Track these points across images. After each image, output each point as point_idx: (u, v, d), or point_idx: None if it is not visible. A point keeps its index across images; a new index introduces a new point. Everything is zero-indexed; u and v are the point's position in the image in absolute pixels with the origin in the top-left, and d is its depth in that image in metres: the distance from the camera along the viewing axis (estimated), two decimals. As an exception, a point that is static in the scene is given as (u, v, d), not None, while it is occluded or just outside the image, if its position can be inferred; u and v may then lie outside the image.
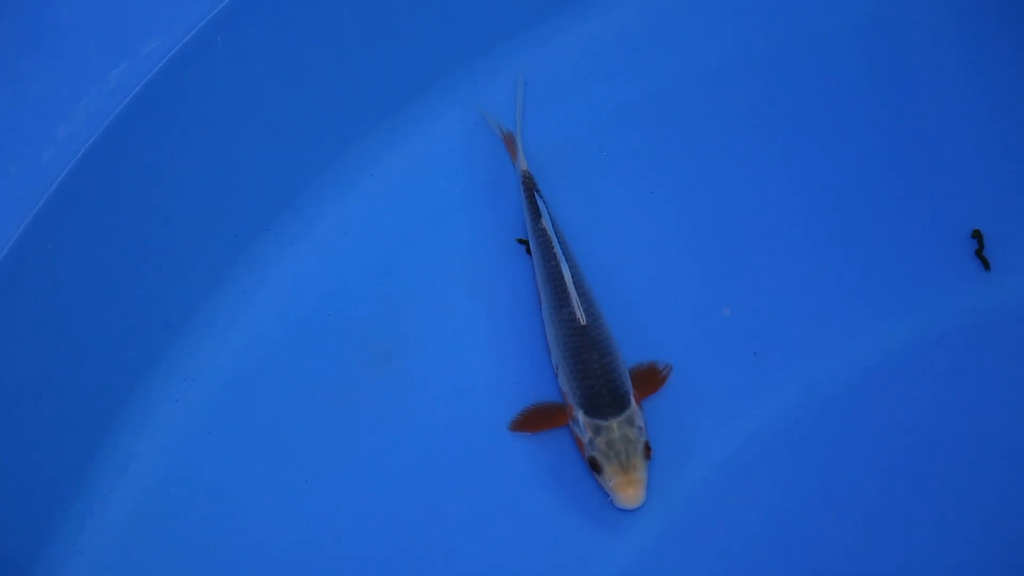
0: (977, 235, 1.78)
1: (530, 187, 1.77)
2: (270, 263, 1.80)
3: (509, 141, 1.85)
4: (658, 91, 1.90)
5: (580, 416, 1.60)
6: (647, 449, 1.59)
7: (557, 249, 1.69)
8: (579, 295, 1.65)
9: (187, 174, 1.79)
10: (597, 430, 1.59)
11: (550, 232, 1.71)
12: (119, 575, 1.65)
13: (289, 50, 1.84)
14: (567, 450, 1.67)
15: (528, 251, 1.79)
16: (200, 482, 1.70)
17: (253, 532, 1.67)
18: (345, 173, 1.85)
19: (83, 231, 1.73)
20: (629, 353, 1.68)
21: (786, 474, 1.67)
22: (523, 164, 1.80)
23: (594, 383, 1.61)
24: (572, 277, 1.66)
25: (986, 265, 1.77)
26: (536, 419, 1.67)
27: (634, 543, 1.64)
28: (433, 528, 1.66)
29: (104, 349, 1.73)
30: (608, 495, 1.59)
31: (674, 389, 1.69)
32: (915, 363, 1.72)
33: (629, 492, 1.56)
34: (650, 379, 1.68)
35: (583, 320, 1.64)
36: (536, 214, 1.74)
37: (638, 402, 1.63)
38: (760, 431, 1.69)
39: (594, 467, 1.59)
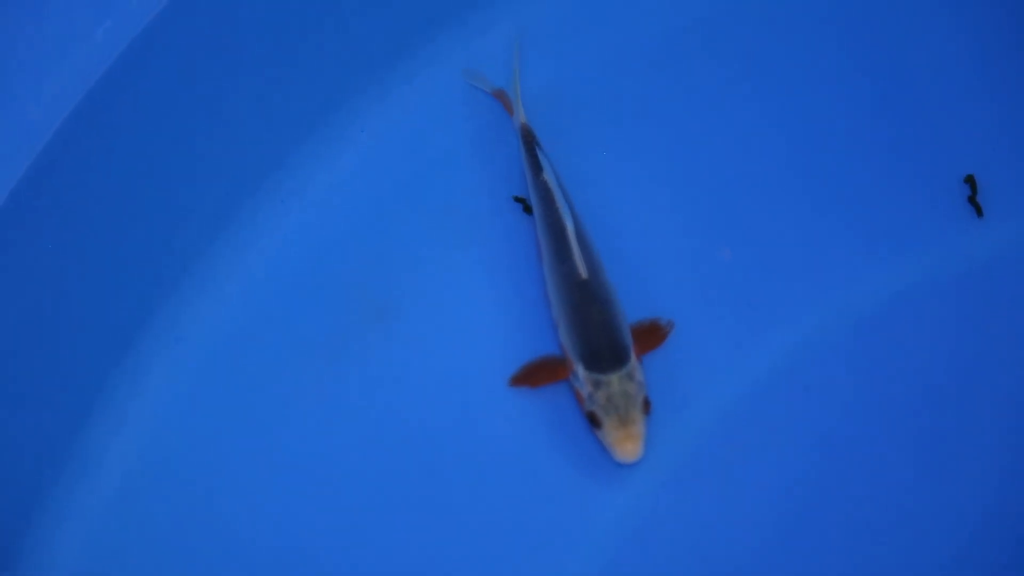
0: (970, 181, 1.78)
1: (530, 140, 1.76)
2: (262, 221, 1.79)
3: (502, 97, 1.83)
4: (650, 41, 1.89)
5: (580, 370, 1.60)
6: (646, 404, 1.59)
7: (560, 202, 1.68)
8: (581, 249, 1.65)
9: (176, 132, 1.77)
10: (597, 384, 1.58)
11: (552, 186, 1.70)
12: (114, 534, 1.65)
13: (278, 5, 1.81)
14: (564, 405, 1.67)
15: (525, 209, 1.78)
16: (194, 440, 1.69)
17: (247, 489, 1.67)
18: (337, 129, 1.84)
19: (72, 191, 1.71)
20: (625, 305, 1.67)
21: (782, 424, 1.67)
22: (522, 117, 1.78)
23: (594, 337, 1.61)
24: (574, 230, 1.66)
25: (979, 211, 1.77)
26: (536, 374, 1.67)
27: (633, 496, 1.64)
28: (429, 485, 1.66)
29: (96, 310, 1.72)
30: (607, 449, 1.59)
31: (670, 341, 1.69)
32: (910, 310, 1.72)
33: (627, 446, 1.57)
34: (652, 335, 1.67)
35: (584, 274, 1.64)
36: (537, 168, 1.73)
37: (638, 357, 1.62)
38: (756, 382, 1.69)
39: (593, 421, 1.58)
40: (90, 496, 1.66)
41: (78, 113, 1.69)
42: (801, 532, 1.62)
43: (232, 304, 1.76)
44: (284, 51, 1.82)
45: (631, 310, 1.67)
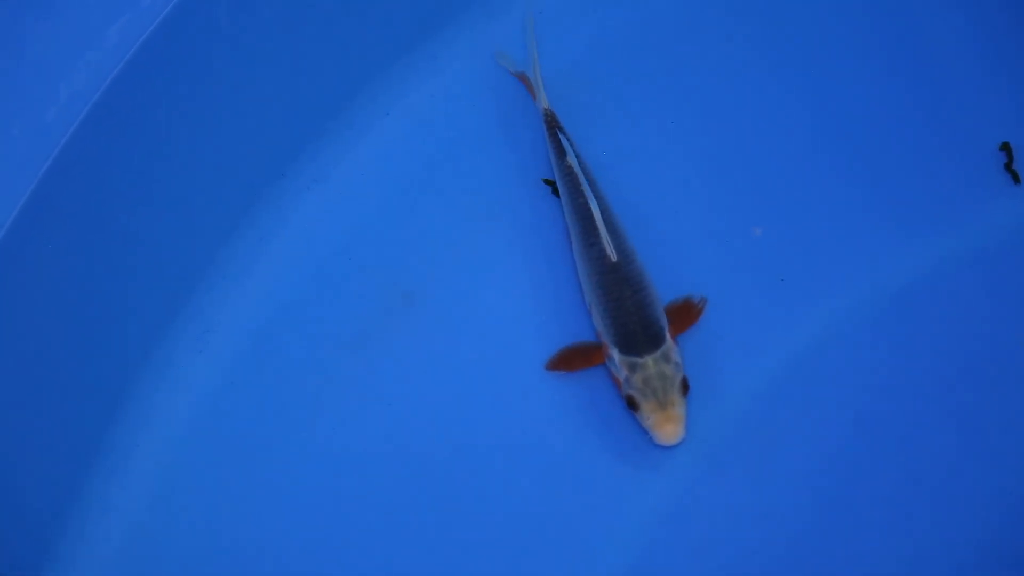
0: (1006, 148, 1.74)
1: (553, 125, 1.74)
2: (287, 209, 1.78)
3: (526, 80, 1.81)
4: (673, 18, 1.85)
5: (615, 354, 1.58)
6: (684, 385, 1.57)
7: (585, 187, 1.66)
8: (609, 232, 1.63)
9: (197, 124, 1.74)
10: (633, 367, 1.57)
11: (576, 170, 1.68)
12: (149, 530, 1.65)
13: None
14: (598, 388, 1.65)
15: (554, 192, 1.76)
16: (225, 433, 1.69)
17: (280, 480, 1.66)
18: (360, 114, 1.82)
19: (93, 188, 1.68)
20: (657, 286, 1.65)
21: (819, 403, 1.65)
22: (544, 102, 1.76)
23: (628, 320, 1.59)
24: (601, 214, 1.63)
25: (1016, 178, 1.73)
26: (572, 358, 1.65)
27: (669, 478, 1.62)
28: (464, 471, 1.65)
29: (122, 305, 1.70)
30: (647, 432, 1.57)
31: (703, 322, 1.67)
32: (947, 283, 1.69)
33: (668, 428, 1.55)
34: (685, 314, 1.65)
35: (614, 257, 1.62)
36: (561, 153, 1.71)
37: (674, 337, 1.60)
38: (791, 360, 1.67)
39: (631, 405, 1.57)
40: (124, 491, 1.66)
41: (94, 112, 1.66)
42: (839, 512, 1.60)
43: (259, 294, 1.75)
44: (303, 35, 1.79)
45: (663, 290, 1.65)
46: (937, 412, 1.64)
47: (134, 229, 1.71)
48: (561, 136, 1.72)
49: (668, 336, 1.59)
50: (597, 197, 1.65)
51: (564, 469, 1.64)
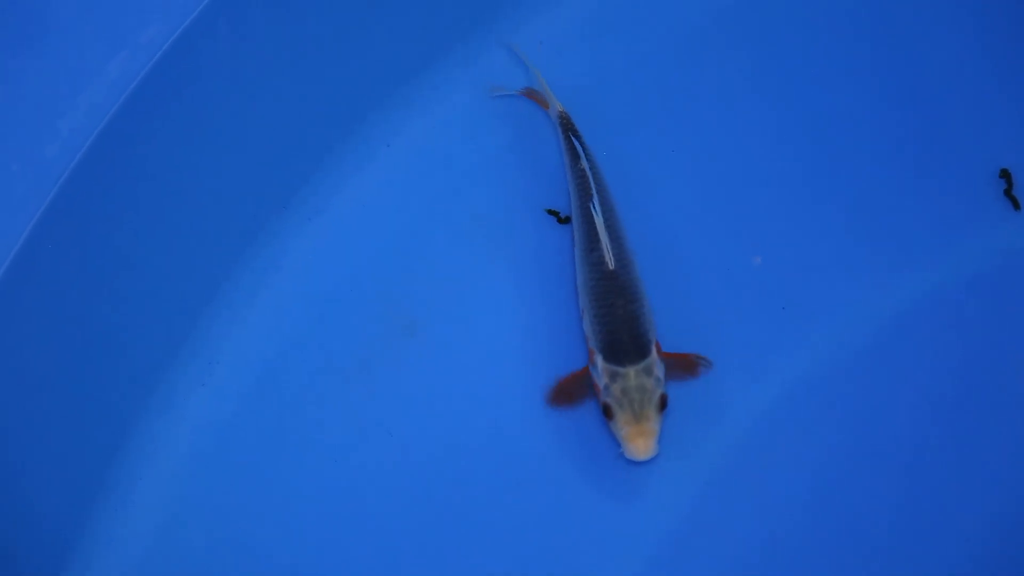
0: (1005, 174, 1.72)
1: (567, 129, 1.74)
2: (289, 241, 1.78)
3: (533, 94, 1.81)
4: (671, 46, 1.85)
5: (599, 361, 1.57)
6: (663, 401, 1.55)
7: (593, 191, 1.66)
8: (611, 239, 1.62)
9: (198, 158, 1.76)
10: (614, 376, 1.55)
11: (588, 174, 1.68)
12: (154, 564, 1.65)
13: (295, 25, 1.80)
14: (596, 417, 1.64)
15: (558, 220, 1.76)
16: (229, 464, 1.69)
17: (284, 511, 1.66)
18: (361, 145, 1.82)
19: (94, 223, 1.71)
20: (658, 313, 1.64)
21: (820, 429, 1.63)
22: (558, 105, 1.77)
23: (616, 329, 1.58)
24: (605, 221, 1.63)
25: (1015, 204, 1.71)
26: (568, 388, 1.64)
27: (670, 503, 1.61)
28: (462, 501, 1.64)
29: (125, 338, 1.72)
30: (619, 445, 1.55)
31: (705, 348, 1.65)
32: (946, 309, 1.68)
33: (639, 443, 1.53)
34: (686, 364, 1.63)
35: (612, 264, 1.61)
36: (575, 156, 1.71)
37: (660, 355, 1.59)
38: (792, 386, 1.65)
39: (606, 413, 1.55)
40: (128, 525, 1.66)
41: (95, 147, 1.69)
42: (840, 534, 1.59)
43: (262, 326, 1.75)
44: (303, 69, 1.81)
45: (663, 317, 1.65)
46: (937, 436, 1.62)
47: (136, 263, 1.74)
48: (575, 140, 1.72)
49: (654, 351, 1.58)
50: (604, 204, 1.66)
51: (564, 496, 1.63)
